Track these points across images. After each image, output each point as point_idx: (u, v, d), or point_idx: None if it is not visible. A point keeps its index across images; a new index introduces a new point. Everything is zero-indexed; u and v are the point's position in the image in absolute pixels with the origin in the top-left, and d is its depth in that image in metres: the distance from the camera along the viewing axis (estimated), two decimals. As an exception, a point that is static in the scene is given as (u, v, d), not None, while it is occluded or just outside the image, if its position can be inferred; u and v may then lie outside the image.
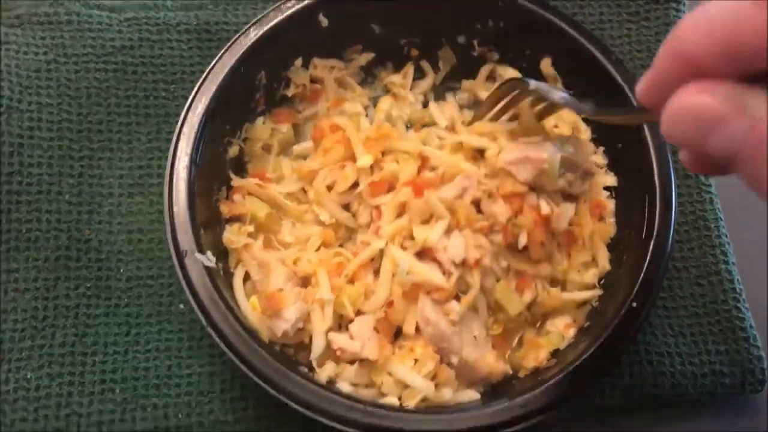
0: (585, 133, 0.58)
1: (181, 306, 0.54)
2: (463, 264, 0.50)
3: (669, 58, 0.30)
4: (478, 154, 0.55)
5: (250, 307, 0.50)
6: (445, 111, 0.61)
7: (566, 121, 0.57)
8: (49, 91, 0.58)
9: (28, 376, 0.50)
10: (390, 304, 0.50)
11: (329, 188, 0.55)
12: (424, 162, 0.54)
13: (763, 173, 0.28)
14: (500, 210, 0.51)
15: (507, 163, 0.52)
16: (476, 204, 0.52)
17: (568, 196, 0.54)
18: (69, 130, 0.58)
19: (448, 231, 0.51)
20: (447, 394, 0.49)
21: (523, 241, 0.51)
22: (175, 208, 0.48)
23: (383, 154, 0.55)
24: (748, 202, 0.60)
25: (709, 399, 0.54)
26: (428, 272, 0.50)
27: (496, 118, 0.55)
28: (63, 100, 0.58)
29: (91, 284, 0.54)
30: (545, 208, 0.51)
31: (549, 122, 0.55)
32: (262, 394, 0.51)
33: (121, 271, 0.54)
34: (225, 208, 0.55)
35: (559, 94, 0.50)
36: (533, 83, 0.50)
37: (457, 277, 0.50)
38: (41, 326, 0.52)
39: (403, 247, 0.51)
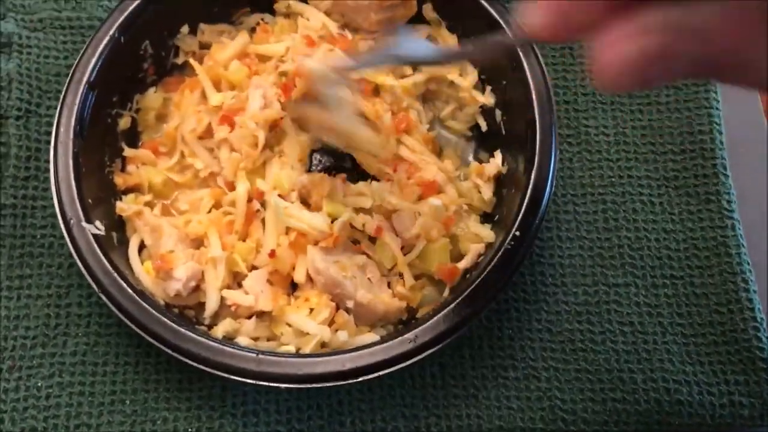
0: (472, 74, 0.58)
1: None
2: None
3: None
4: None
5: (143, 272, 0.50)
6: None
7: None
8: (69, 96, 0.58)
9: (39, 385, 0.50)
10: (272, 254, 0.50)
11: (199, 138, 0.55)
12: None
13: None
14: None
15: None
16: None
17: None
18: (87, 136, 0.57)
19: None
20: (342, 336, 0.49)
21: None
22: (60, 181, 0.49)
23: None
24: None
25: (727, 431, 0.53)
26: (308, 217, 0.50)
27: None
28: (82, 105, 0.58)
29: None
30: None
31: None
32: (274, 410, 0.50)
33: (135, 280, 0.54)
34: (120, 180, 0.55)
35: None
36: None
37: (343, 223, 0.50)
38: (53, 334, 0.52)
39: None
